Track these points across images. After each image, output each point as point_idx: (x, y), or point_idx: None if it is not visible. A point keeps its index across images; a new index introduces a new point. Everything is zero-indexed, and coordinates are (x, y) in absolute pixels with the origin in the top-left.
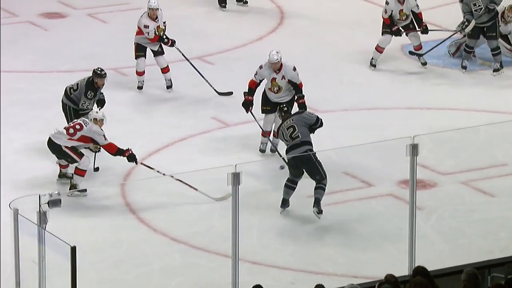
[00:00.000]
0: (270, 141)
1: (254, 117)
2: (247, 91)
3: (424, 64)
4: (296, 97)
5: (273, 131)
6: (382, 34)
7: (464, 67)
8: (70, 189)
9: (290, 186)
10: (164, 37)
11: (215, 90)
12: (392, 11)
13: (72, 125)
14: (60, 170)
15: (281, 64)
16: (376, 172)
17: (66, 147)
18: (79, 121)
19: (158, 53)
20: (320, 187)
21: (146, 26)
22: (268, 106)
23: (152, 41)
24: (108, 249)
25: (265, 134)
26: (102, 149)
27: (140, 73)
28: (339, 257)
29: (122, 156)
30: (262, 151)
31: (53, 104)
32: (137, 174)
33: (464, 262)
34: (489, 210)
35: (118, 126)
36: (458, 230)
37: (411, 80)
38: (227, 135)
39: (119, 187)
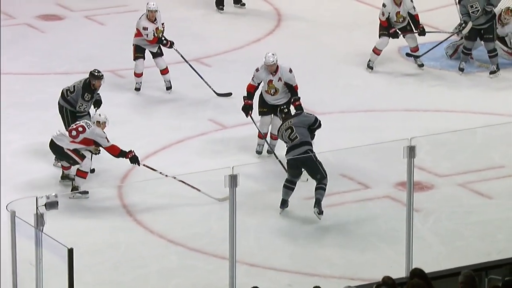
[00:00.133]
0: (267, 142)
1: (253, 121)
2: (246, 95)
3: (421, 66)
4: (292, 99)
5: (270, 133)
6: (379, 37)
7: (461, 69)
8: (72, 191)
9: (289, 186)
10: (163, 38)
11: (214, 91)
12: (389, 13)
13: (74, 127)
14: (63, 171)
15: (277, 66)
16: (373, 174)
17: (68, 149)
18: (81, 123)
19: (157, 54)
20: (321, 187)
21: (145, 28)
22: (265, 108)
23: (151, 43)
24: (106, 251)
25: (261, 135)
26: (101, 151)
27: (138, 75)
28: (337, 259)
29: (124, 158)
30: (259, 152)
31: (51, 106)
32: (134, 176)
33: (462, 264)
34: (486, 212)
35: (116, 128)
36: (455, 232)
37: (408, 82)
38: (225, 137)
39: (116, 189)
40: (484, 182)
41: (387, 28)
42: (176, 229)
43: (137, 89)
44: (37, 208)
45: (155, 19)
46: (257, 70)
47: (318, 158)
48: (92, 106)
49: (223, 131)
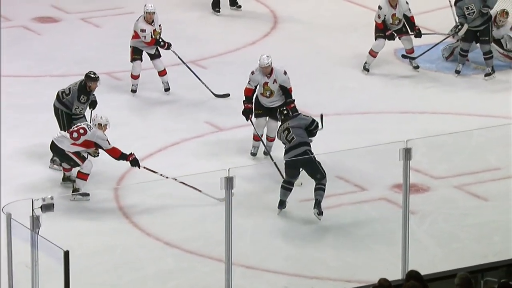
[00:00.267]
0: (264, 144)
1: (253, 125)
2: (245, 99)
3: (416, 67)
4: (286, 102)
5: (266, 135)
6: (376, 39)
7: (458, 72)
8: (72, 193)
9: (287, 187)
10: (160, 40)
11: (212, 92)
12: (385, 15)
13: (76, 129)
14: (64, 173)
15: (272, 68)
16: (369, 176)
17: (69, 151)
18: (83, 125)
19: (155, 56)
20: (320, 188)
21: (143, 30)
22: (260, 110)
23: (149, 45)
24: (102, 254)
25: (257, 138)
26: (99, 154)
27: (135, 77)
28: (333, 261)
29: (125, 161)
30: (254, 154)
31: (47, 108)
32: (131, 178)
33: (458, 266)
34: (482, 214)
35: (112, 130)
36: (451, 234)
37: (404, 84)
38: (221, 139)
39: (112, 191)
40: (480, 184)
41: (383, 31)
42: (173, 231)
43: (134, 91)
44: (33, 210)
45: (153, 21)
46: (252, 73)
47: (316, 158)
48: (88, 107)
49: (219, 133)
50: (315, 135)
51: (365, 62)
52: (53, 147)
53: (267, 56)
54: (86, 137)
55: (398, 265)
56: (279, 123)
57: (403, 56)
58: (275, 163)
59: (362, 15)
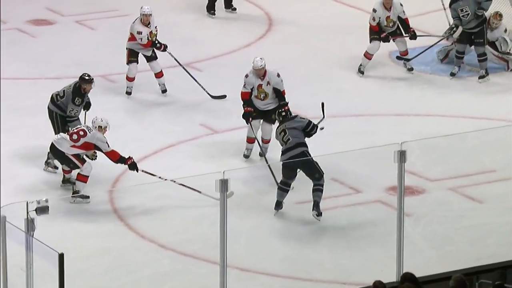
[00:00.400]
0: (260, 145)
1: (252, 128)
2: (243, 103)
3: (411, 70)
4: (280, 105)
5: (262, 138)
6: (371, 41)
7: (453, 74)
8: (72, 195)
9: (284, 188)
10: (157, 42)
11: (208, 93)
12: (379, 18)
13: (76, 131)
14: (64, 175)
15: (265, 71)
16: (364, 179)
17: (68, 153)
18: (82, 127)
19: (151, 58)
20: (318, 189)
21: (139, 32)
22: (254, 112)
23: (145, 47)
24: (97, 256)
25: (251, 140)
26: (97, 156)
27: (130, 79)
28: (328, 263)
29: (123, 164)
30: (246, 156)
31: (42, 111)
32: (126, 181)
33: (452, 268)
34: (477, 216)
35: (108, 132)
36: (446, 236)
37: (399, 86)
38: (216, 141)
39: (107, 194)
40: (475, 187)
41: (378, 33)
42: (168, 233)
43: (128, 93)
44: (27, 213)
45: (149, 23)
46: (246, 76)
47: (312, 158)
48: (82, 109)
49: (215, 136)
50: (312, 135)
51: (360, 65)
52: (53, 149)
53: (261, 58)
54: (86, 139)
55: (393, 267)
56: (273, 125)
57: (398, 57)
58: (269, 165)
59: (357, 17)
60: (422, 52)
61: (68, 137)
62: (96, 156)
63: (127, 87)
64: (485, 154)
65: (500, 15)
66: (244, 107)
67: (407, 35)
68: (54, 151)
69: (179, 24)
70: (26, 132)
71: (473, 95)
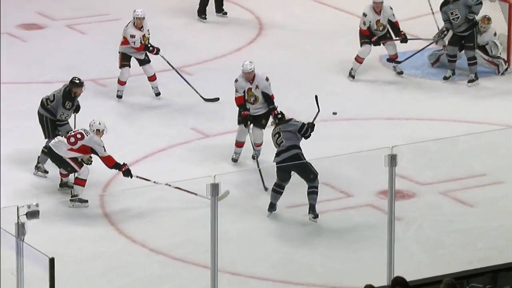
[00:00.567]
0: (253, 148)
1: (249, 132)
2: (240, 108)
3: (400, 73)
4: (269, 109)
5: (254, 142)
6: (361, 45)
7: (446, 78)
8: (71, 199)
9: (278, 190)
10: (149, 45)
11: (201, 96)
12: (370, 22)
13: (73, 134)
14: (61, 179)
15: (254, 74)
16: (355, 183)
17: (66, 157)
18: (80, 130)
19: (144, 61)
20: (313, 192)
21: (133, 36)
22: (251, 116)
23: (138, 50)
24: (87, 261)
25: (239, 144)
26: (91, 161)
27: (122, 83)
28: (319, 267)
29: (118, 170)
30: (235, 160)
31: (33, 115)
32: (116, 185)
33: (443, 272)
34: (467, 220)
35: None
36: (437, 240)
37: (390, 90)
38: (207, 145)
39: (98, 198)
40: (465, 191)
41: (368, 37)
42: (159, 238)
43: (119, 97)
44: (18, 217)
45: (142, 27)
46: (236, 81)
47: (305, 159)
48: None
49: (206, 140)
50: (308, 136)
51: (351, 69)
52: (50, 152)
53: (250, 62)
54: (83, 142)
55: (383, 271)
56: (263, 130)
57: (388, 60)
58: (260, 170)
59: (347, 21)
60: (412, 55)
61: (65, 140)
62: (92, 161)
63: (118, 91)
64: (475, 158)
65: (488, 19)
66: (241, 112)
67: (398, 38)
68: (52, 155)
69: (170, 28)
70: (17, 136)
71: (463, 99)
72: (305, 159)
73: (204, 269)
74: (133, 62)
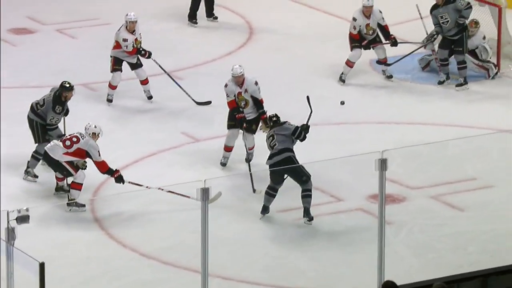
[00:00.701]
0: (247, 151)
1: (243, 134)
2: (234, 112)
3: (390, 77)
4: (259, 113)
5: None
6: (352, 49)
7: (440, 83)
8: (68, 203)
9: (271, 193)
10: (141, 49)
11: (193, 100)
12: (360, 26)
13: (68, 137)
14: (57, 183)
15: (244, 78)
16: (345, 187)
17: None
18: (75, 133)
19: (137, 65)
20: (307, 195)
21: (125, 40)
22: (233, 121)
23: (131, 54)
24: (78, 265)
25: (228, 148)
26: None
27: (113, 87)
28: (310, 271)
29: (110, 176)
30: (223, 164)
31: (23, 120)
32: (107, 190)
33: (434, 276)
34: (458, 224)
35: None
36: (427, 244)
37: (380, 95)
38: (197, 149)
39: (88, 203)
40: (456, 195)
41: (359, 41)
42: (149, 242)
43: (109, 101)
44: (8, 222)
45: (134, 30)
46: (226, 85)
47: (298, 162)
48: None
49: (196, 144)
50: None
51: (342, 73)
52: (46, 156)
53: (240, 66)
54: (79, 145)
55: (374, 275)
56: (254, 135)
57: (378, 62)
58: (251, 174)
59: (337, 25)
60: (400, 59)
61: (61, 143)
62: (86, 166)
63: (109, 95)
64: (466, 162)
65: (476, 23)
66: (235, 115)
67: (388, 42)
68: (48, 159)
69: (161, 33)
70: (7, 141)
71: (454, 103)
72: (297, 162)
73: (195, 274)
74: (124, 66)
